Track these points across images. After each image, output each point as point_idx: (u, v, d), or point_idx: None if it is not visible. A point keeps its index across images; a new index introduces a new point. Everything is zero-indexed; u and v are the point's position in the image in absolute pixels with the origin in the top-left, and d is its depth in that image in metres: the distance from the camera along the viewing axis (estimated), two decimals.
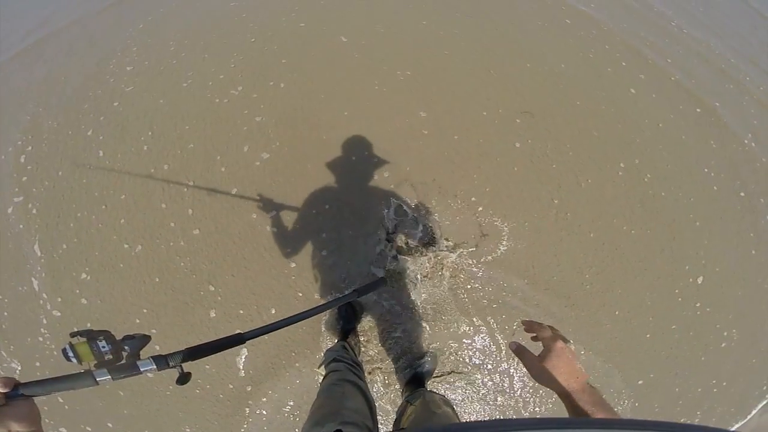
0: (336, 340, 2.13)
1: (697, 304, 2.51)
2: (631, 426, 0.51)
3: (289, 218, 2.38)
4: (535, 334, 0.82)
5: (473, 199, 2.51)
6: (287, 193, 2.45)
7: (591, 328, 2.38)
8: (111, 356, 0.75)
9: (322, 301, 2.22)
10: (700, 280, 2.56)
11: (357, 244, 2.35)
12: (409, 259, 2.28)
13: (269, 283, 2.30)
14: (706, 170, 2.97)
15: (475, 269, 2.36)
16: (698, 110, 3.34)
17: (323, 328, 2.27)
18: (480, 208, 2.49)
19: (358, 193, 2.47)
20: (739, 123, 3.36)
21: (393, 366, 2.24)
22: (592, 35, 3.62)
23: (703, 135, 3.19)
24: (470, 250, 2.37)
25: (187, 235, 2.35)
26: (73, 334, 0.73)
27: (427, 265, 2.30)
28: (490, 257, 2.39)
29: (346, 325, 2.13)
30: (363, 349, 2.21)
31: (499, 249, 2.41)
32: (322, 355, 1.99)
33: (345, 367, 1.59)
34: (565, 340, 0.75)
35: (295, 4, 3.80)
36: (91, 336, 0.74)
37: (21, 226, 2.63)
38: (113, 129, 2.88)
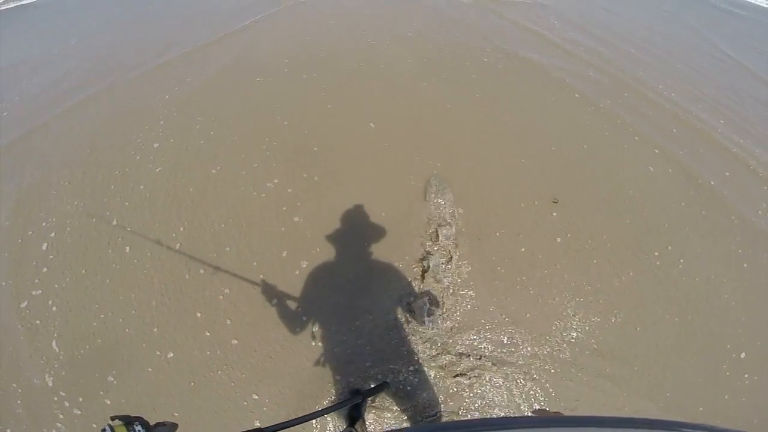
0: (345, 425, 2.14)
1: (746, 375, 2.55)
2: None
3: (329, 330, 2.37)
4: None
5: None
6: (327, 305, 2.44)
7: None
8: None
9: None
10: (743, 355, 2.61)
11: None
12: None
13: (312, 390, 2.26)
14: (733, 247, 3.08)
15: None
16: (712, 183, 3.52)
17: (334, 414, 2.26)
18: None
19: (394, 301, 2.49)
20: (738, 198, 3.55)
21: None
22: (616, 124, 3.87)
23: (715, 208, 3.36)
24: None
25: (225, 346, 2.31)
26: (113, 417, 0.90)
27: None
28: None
29: (354, 411, 2.13)
30: None
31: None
32: None
33: None
34: None
35: (322, 84, 4.02)
36: (128, 420, 0.90)
37: (38, 322, 2.56)
38: (141, 218, 2.86)
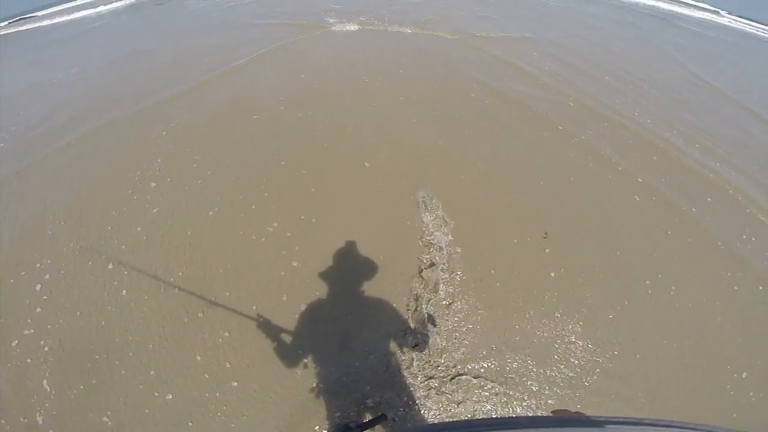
0: None
1: (750, 393, 2.60)
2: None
3: (328, 367, 2.39)
4: None
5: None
6: (326, 343, 2.46)
7: None
8: None
9: None
10: (744, 375, 2.67)
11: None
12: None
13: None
14: (722, 272, 3.20)
15: None
16: (694, 210, 3.69)
17: None
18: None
19: (390, 337, 2.53)
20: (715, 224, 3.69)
21: None
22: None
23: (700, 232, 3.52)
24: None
25: (225, 388, 2.31)
26: None
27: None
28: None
29: None
30: None
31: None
32: None
33: None
34: None
35: (318, 123, 4.17)
36: None
37: (28, 360, 2.54)
38: (138, 261, 2.89)
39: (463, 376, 2.43)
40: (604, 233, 3.29)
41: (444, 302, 2.70)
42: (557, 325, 2.69)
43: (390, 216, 3.17)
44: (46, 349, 2.54)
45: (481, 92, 5.02)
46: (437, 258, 2.92)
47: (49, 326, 2.61)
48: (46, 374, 2.46)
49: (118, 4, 20.24)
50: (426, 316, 2.59)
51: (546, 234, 3.17)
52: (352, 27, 7.40)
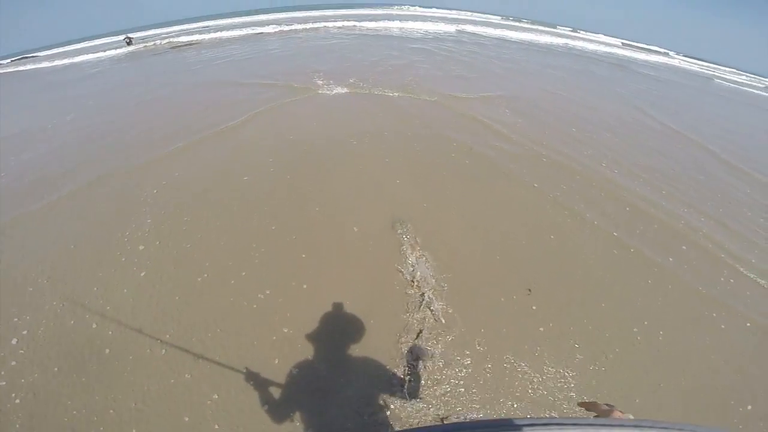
0: None
1: (761, 424, 2.68)
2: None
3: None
4: (596, 414, 0.98)
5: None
6: (316, 409, 2.47)
7: None
8: None
9: None
10: (749, 407, 2.75)
11: None
12: None
13: None
14: (706, 313, 3.41)
15: None
16: (671, 259, 3.97)
17: None
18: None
19: (378, 399, 2.53)
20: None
21: None
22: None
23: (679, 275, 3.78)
24: None
25: None
26: None
27: None
28: None
29: None
30: None
31: None
32: None
33: None
34: (622, 413, 0.93)
35: (307, 186, 4.45)
36: None
37: None
38: (123, 321, 2.93)
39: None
40: (588, 286, 3.47)
41: (434, 362, 2.74)
42: (550, 378, 2.74)
43: (380, 279, 3.30)
44: (17, 401, 2.51)
45: (460, 153, 5.46)
46: (427, 319, 3.00)
47: (22, 380, 2.60)
48: (17, 425, 2.41)
49: (117, 51, 20.88)
50: (417, 376, 2.64)
51: (530, 290, 3.33)
52: (340, 89, 8.08)
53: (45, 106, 8.93)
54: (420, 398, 2.54)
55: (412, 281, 3.31)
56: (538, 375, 2.76)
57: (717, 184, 5.87)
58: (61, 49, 32.84)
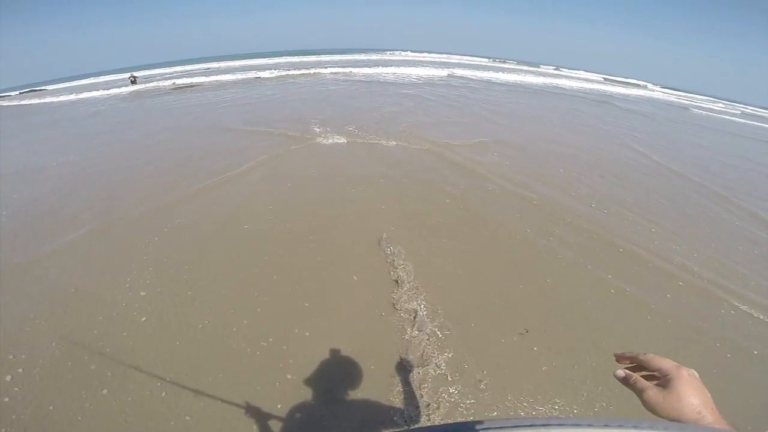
0: None
1: None
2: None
3: None
4: (646, 372, 0.78)
5: None
6: None
7: None
8: None
9: None
10: None
11: None
12: None
13: None
14: (710, 344, 3.43)
15: None
16: (668, 295, 4.05)
17: None
18: None
19: None
20: None
21: None
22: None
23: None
24: None
25: None
26: None
27: None
28: None
29: None
30: None
31: None
32: None
33: None
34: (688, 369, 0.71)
35: (308, 235, 4.57)
36: None
37: None
38: (122, 365, 2.92)
39: None
40: (588, 326, 3.49)
41: (436, 406, 2.71)
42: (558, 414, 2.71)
43: (380, 327, 3.34)
44: None
45: (454, 200, 5.64)
46: (430, 364, 3.01)
47: (14, 416, 2.57)
48: None
49: (122, 90, 21.58)
50: (420, 421, 2.62)
51: (526, 330, 3.37)
52: (337, 138, 8.40)
53: (49, 144, 9.19)
54: None
55: (413, 327, 3.36)
56: (543, 411, 2.76)
57: (706, 216, 6.08)
58: (67, 84, 34.08)
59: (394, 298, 3.67)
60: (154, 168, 6.84)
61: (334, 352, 3.07)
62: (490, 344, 3.27)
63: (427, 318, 3.46)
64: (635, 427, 0.50)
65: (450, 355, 3.11)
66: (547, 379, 3.00)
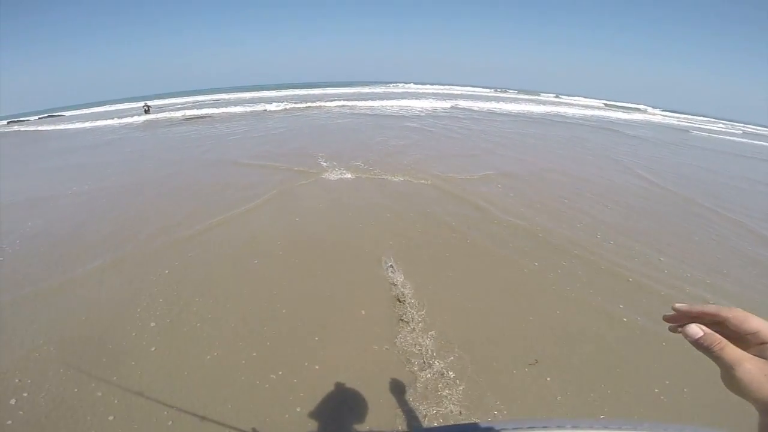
0: None
1: None
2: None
3: None
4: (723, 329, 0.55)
5: None
6: None
7: None
8: None
9: None
10: None
11: None
12: None
13: None
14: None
15: None
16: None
17: None
18: None
19: None
20: None
21: None
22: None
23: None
24: None
25: None
26: None
27: None
28: None
29: None
30: None
31: None
32: None
33: None
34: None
35: (316, 270, 4.59)
36: None
37: None
38: (130, 392, 2.92)
39: None
40: (602, 355, 3.46)
41: None
42: None
43: (389, 361, 3.32)
44: None
45: (460, 234, 5.63)
46: (441, 396, 2.97)
47: None
48: None
49: (135, 119, 22.37)
50: None
51: (536, 360, 3.34)
52: (343, 174, 8.50)
53: (66, 173, 9.45)
54: None
55: (422, 360, 3.33)
56: None
57: (715, 241, 6.05)
58: (84, 111, 35.21)
59: (402, 332, 3.67)
60: (167, 202, 6.97)
61: (344, 386, 3.06)
62: (501, 375, 3.24)
63: (437, 350, 3.44)
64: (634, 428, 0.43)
65: (461, 388, 3.07)
66: (562, 408, 2.95)
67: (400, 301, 4.09)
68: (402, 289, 4.28)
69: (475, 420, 2.64)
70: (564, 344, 3.62)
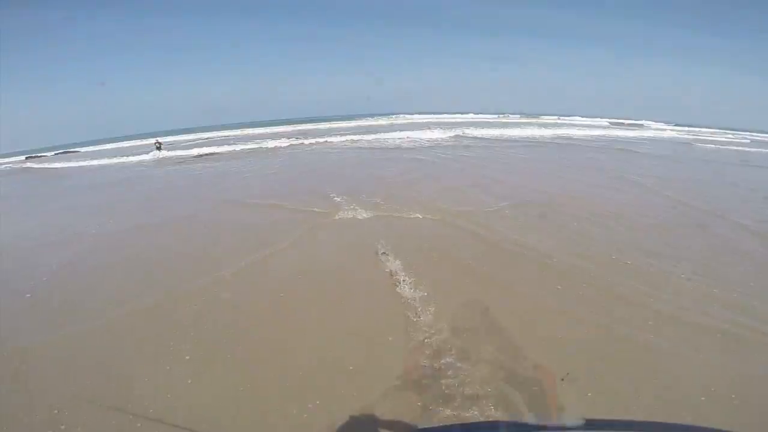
0: None
1: None
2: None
3: None
4: None
5: None
6: None
7: None
8: None
9: None
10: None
11: None
12: None
13: None
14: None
15: None
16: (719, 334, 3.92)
17: None
18: None
19: None
20: None
21: None
22: None
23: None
24: None
25: None
26: None
27: None
28: None
29: None
30: None
31: None
32: None
33: None
34: None
35: (351, 315, 4.60)
36: None
37: None
38: (165, 422, 3.00)
39: None
40: (636, 367, 3.49)
41: None
42: None
43: (423, 385, 3.34)
44: None
45: (479, 270, 5.54)
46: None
47: None
48: None
49: (148, 156, 23.19)
50: None
51: (564, 377, 3.34)
52: (358, 212, 8.33)
53: (84, 211, 9.85)
54: None
55: (451, 389, 3.30)
56: None
57: (748, 259, 6.06)
58: (98, 147, 36.54)
59: (430, 358, 3.70)
60: (190, 246, 7.02)
61: (379, 415, 3.07)
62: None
63: (466, 380, 3.41)
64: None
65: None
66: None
67: (429, 336, 4.07)
68: (429, 328, 4.19)
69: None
70: (600, 358, 3.67)
